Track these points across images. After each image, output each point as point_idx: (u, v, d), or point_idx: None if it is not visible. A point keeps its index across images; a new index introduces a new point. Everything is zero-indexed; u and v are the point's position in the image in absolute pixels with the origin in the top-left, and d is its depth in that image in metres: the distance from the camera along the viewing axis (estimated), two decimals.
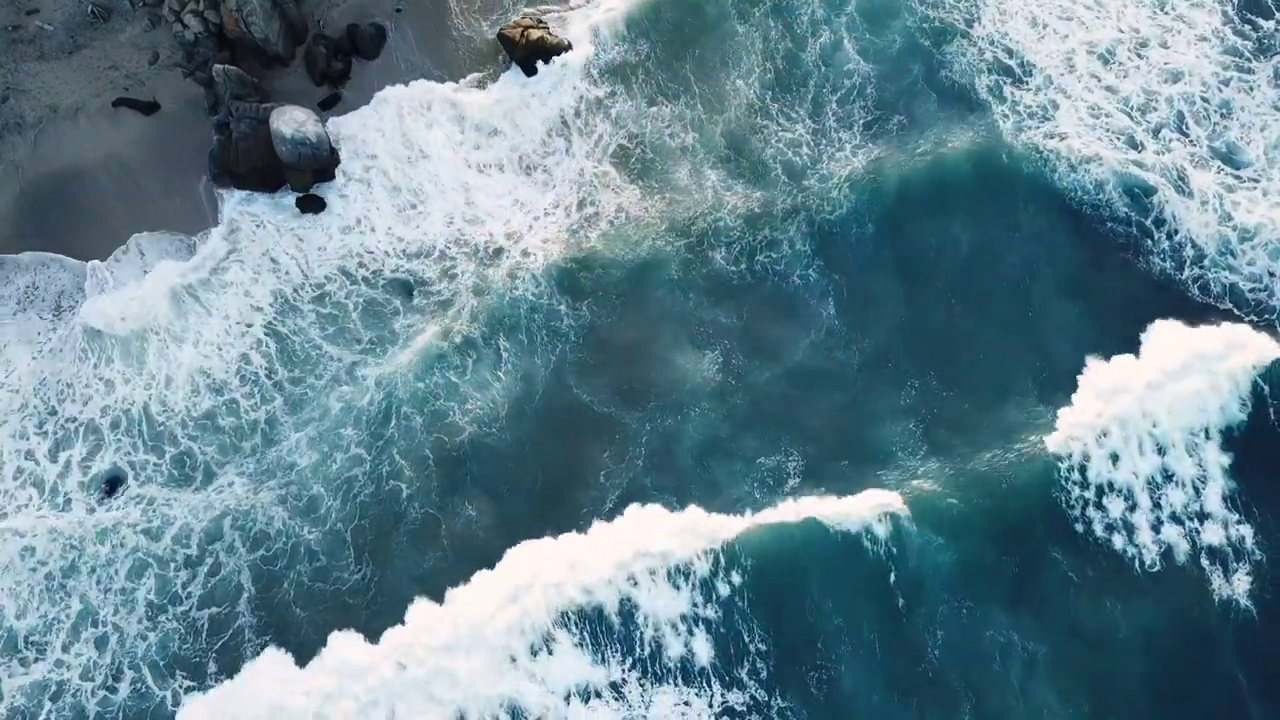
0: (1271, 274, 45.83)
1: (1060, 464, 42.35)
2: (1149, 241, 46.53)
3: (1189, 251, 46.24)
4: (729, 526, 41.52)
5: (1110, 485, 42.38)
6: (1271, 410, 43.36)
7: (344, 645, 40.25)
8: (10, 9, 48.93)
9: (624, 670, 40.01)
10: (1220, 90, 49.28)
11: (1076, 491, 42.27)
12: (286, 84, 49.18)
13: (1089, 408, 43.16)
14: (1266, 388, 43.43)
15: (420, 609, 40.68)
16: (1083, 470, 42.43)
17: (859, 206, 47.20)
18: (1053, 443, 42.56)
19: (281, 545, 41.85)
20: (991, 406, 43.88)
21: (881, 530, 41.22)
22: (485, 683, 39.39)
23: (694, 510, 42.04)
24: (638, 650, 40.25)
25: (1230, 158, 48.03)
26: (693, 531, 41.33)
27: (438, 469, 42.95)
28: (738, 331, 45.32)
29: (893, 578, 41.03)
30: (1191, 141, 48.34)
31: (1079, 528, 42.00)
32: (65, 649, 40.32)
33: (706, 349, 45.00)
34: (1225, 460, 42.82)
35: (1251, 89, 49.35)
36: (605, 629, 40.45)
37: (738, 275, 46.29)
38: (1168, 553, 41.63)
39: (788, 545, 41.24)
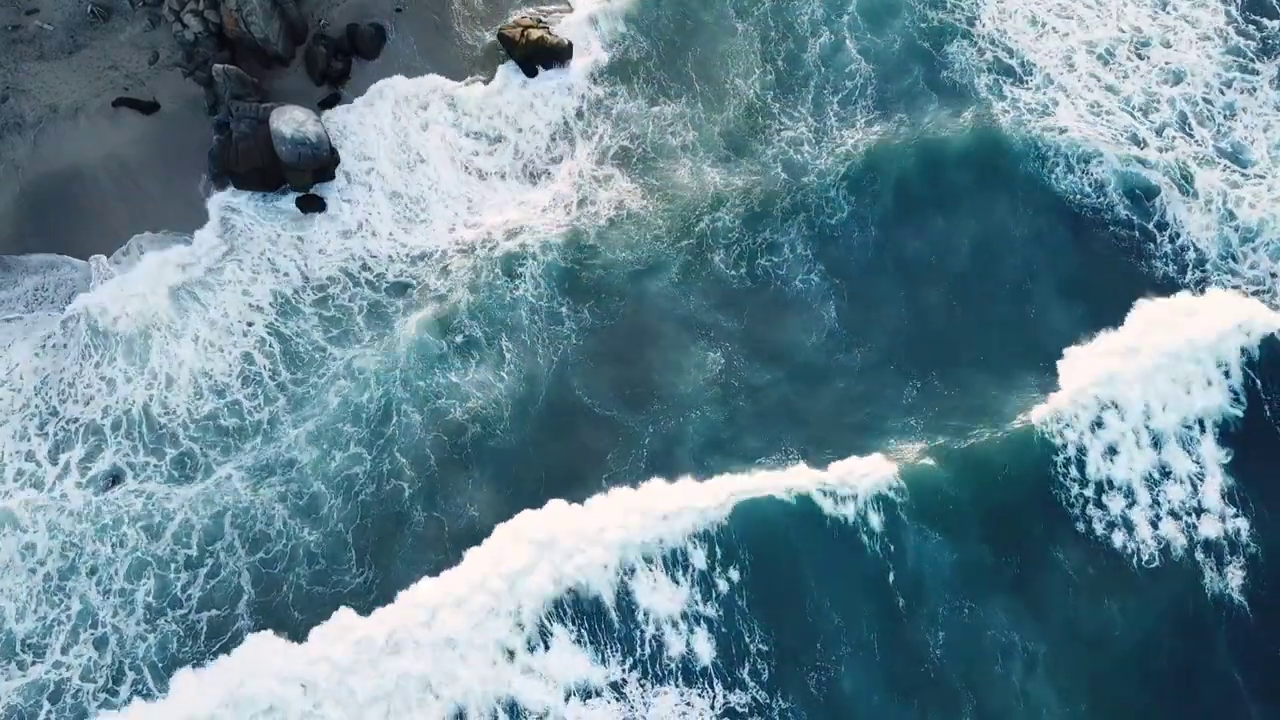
0: (1273, 274, 45.77)
1: (1056, 456, 42.35)
2: (1151, 245, 46.50)
3: (1191, 255, 46.19)
4: (723, 493, 41.46)
5: (1109, 481, 42.33)
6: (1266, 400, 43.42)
7: (340, 622, 40.11)
8: (10, 9, 48.83)
9: (624, 670, 39.87)
10: (1223, 93, 49.25)
11: (1075, 488, 42.26)
12: (286, 84, 49.14)
13: (1085, 393, 43.13)
14: (1259, 382, 43.53)
15: (412, 594, 40.55)
16: (1081, 464, 42.41)
17: (859, 206, 47.29)
18: (1043, 426, 42.51)
19: (281, 547, 41.67)
20: (993, 403, 43.81)
21: (877, 520, 41.22)
22: (482, 679, 39.13)
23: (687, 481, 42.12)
24: (638, 649, 40.09)
25: (1236, 156, 47.97)
26: (688, 508, 41.13)
27: (440, 469, 42.79)
28: (739, 334, 45.24)
29: (891, 571, 41.06)
30: (1195, 141, 48.30)
31: (1069, 507, 42.08)
32: (65, 650, 40.17)
33: (708, 351, 44.92)
34: (1221, 450, 42.82)
35: (1255, 90, 49.28)
36: (605, 626, 40.28)
37: (738, 279, 46.22)
38: (1165, 547, 41.53)
39: (783, 524, 41.23)
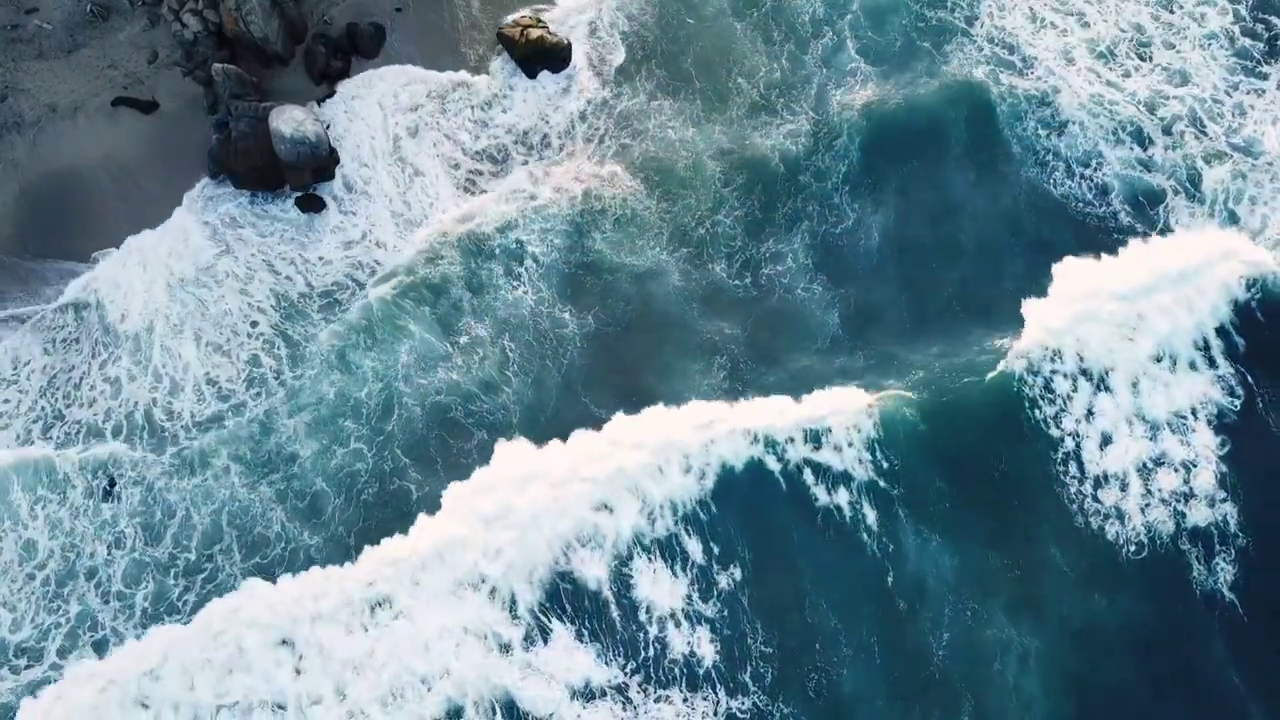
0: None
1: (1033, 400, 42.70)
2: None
3: None
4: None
5: (1105, 473, 42.24)
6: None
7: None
8: (9, 8, 48.64)
9: (625, 672, 39.63)
10: (1230, 95, 49.14)
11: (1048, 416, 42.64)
12: (286, 83, 48.97)
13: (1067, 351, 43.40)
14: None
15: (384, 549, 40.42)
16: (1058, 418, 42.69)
17: (860, 204, 47.42)
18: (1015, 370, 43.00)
19: (279, 551, 41.38)
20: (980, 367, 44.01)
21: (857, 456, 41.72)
22: (479, 674, 38.71)
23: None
24: (641, 650, 39.79)
25: (1247, 149, 47.81)
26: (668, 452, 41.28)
27: (445, 472, 42.50)
28: (741, 338, 45.14)
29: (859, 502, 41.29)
30: (1208, 136, 48.21)
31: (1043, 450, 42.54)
32: (61, 655, 39.98)
33: (713, 355, 44.80)
34: (1214, 437, 42.73)
35: (1263, 93, 49.15)
36: (606, 625, 40.02)
37: (742, 287, 46.14)
38: (1156, 535, 41.31)
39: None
